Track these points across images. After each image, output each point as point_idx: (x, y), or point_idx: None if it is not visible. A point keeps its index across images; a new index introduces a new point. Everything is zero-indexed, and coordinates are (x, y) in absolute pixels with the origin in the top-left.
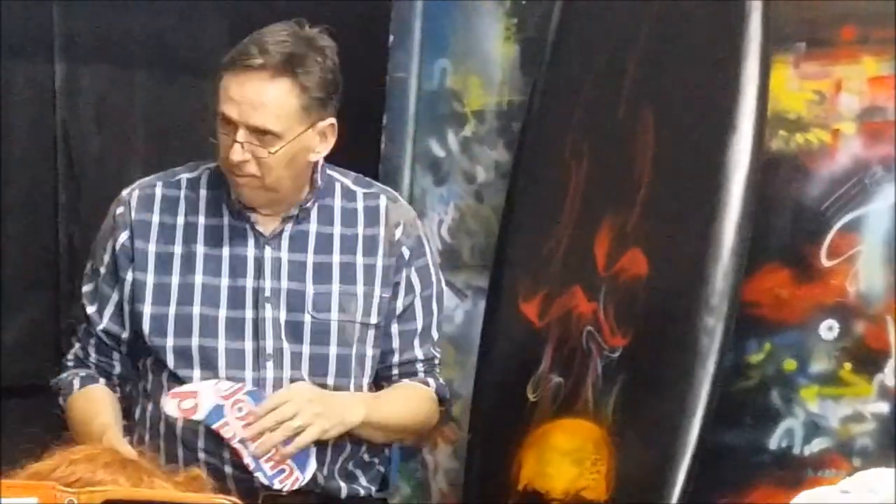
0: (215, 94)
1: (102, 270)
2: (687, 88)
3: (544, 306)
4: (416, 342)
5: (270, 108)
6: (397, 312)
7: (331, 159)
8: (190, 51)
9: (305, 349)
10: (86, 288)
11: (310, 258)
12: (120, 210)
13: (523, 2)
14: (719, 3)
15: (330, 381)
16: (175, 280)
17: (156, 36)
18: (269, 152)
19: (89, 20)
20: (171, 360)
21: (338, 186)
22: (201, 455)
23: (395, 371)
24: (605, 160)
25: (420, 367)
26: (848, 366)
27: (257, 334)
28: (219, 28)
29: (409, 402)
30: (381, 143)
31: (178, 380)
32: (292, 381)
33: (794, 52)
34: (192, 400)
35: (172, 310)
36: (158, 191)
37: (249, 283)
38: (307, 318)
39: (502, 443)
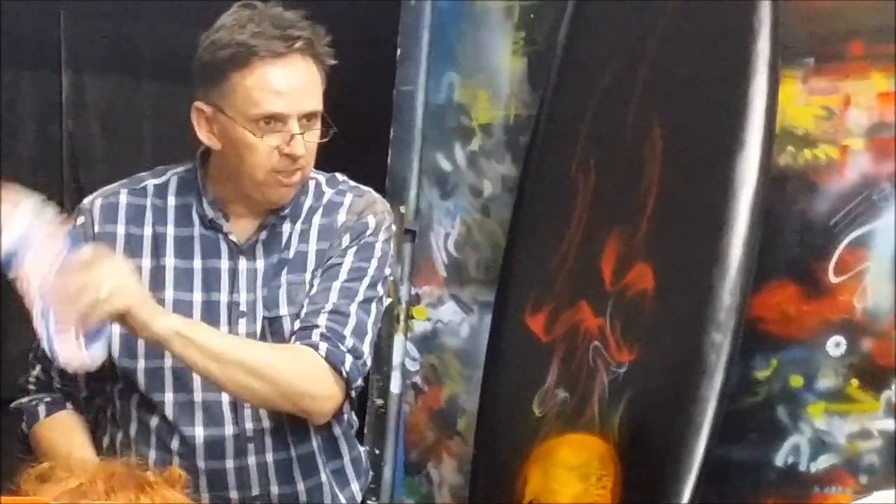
0: (230, 98)
1: None
2: (695, 103)
3: (550, 321)
4: (327, 303)
5: (316, 88)
6: (322, 268)
7: (336, 171)
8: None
9: None
10: None
11: (286, 255)
12: (81, 220)
13: (531, 15)
14: (727, 19)
15: None
16: None
17: (162, 45)
18: (321, 136)
19: (96, 30)
20: (142, 383)
21: (311, 186)
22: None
23: (295, 334)
24: (612, 175)
25: (316, 333)
26: (855, 382)
27: None
28: (192, 63)
29: (258, 347)
30: (387, 157)
31: (148, 405)
32: None
33: (802, 67)
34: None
35: None
36: (123, 198)
37: (224, 297)
38: (286, 323)
39: (508, 458)
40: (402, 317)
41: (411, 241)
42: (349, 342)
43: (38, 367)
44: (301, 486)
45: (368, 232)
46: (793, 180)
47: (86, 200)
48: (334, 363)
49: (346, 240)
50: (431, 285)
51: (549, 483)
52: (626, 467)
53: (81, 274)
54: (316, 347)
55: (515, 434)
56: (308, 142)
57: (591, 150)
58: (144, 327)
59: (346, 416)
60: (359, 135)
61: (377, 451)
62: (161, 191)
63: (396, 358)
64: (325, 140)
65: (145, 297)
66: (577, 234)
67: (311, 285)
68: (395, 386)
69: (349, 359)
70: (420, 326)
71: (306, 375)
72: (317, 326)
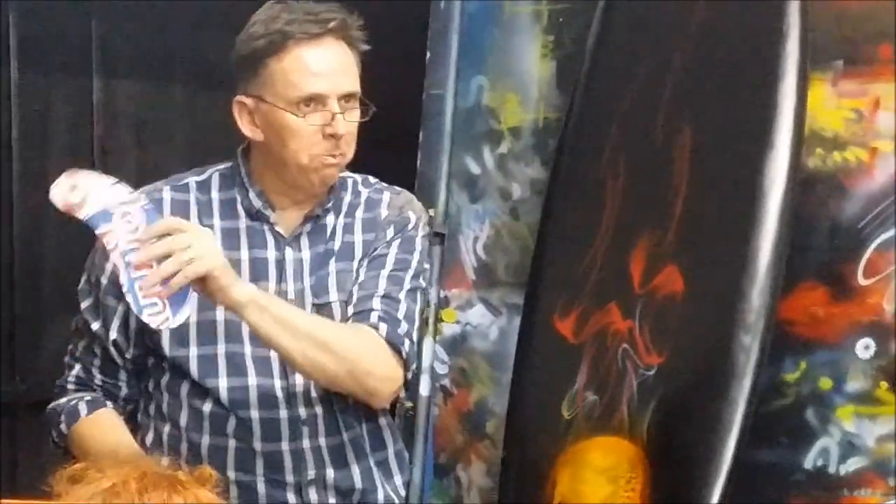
0: (269, 85)
1: (104, 281)
2: (724, 106)
3: (580, 324)
4: (378, 289)
5: (353, 70)
6: (369, 257)
7: (366, 174)
8: (227, 66)
9: None
10: (85, 303)
11: (332, 245)
12: None
13: (560, 19)
14: (757, 21)
15: None
16: None
17: (193, 51)
18: (362, 117)
19: (127, 36)
20: (195, 370)
21: (349, 183)
22: (231, 474)
23: (350, 319)
24: (641, 177)
25: (375, 315)
26: (884, 385)
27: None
28: (231, 59)
29: (327, 322)
30: (417, 160)
31: (201, 392)
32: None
33: (831, 70)
34: (80, 193)
35: (194, 317)
36: (167, 195)
37: (272, 286)
38: (336, 309)
39: (537, 460)
40: (431, 319)
41: (440, 244)
42: (403, 326)
43: (77, 367)
44: (356, 469)
45: (410, 226)
46: (822, 183)
47: None
48: (394, 343)
49: (390, 232)
50: (460, 288)
51: (578, 486)
52: (655, 470)
53: (166, 239)
54: (376, 328)
55: (544, 437)
56: (349, 121)
57: (620, 153)
58: (223, 291)
59: (389, 408)
60: (388, 138)
61: (406, 454)
62: (203, 187)
63: (426, 360)
64: (366, 119)
65: (225, 263)
66: (606, 236)
67: (358, 274)
68: (424, 388)
69: (406, 341)
70: (449, 329)
71: (371, 355)
72: (373, 310)
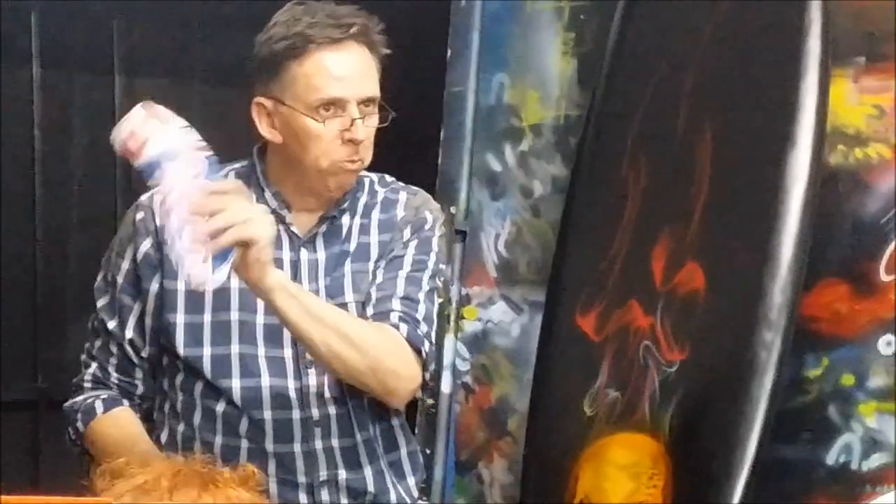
0: (289, 88)
1: (120, 280)
2: (746, 102)
3: (601, 320)
4: (397, 290)
5: (373, 74)
6: (386, 258)
7: (388, 173)
8: (247, 65)
9: None
10: (101, 301)
11: (347, 246)
12: (140, 216)
13: (581, 16)
14: (778, 18)
15: None
16: None
17: (213, 50)
18: (381, 123)
19: (148, 36)
20: (208, 370)
21: (366, 183)
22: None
23: (369, 319)
24: (662, 174)
25: (395, 315)
26: None
27: (296, 340)
28: (249, 60)
29: (353, 318)
30: (438, 158)
31: (214, 392)
32: (331, 385)
33: (853, 66)
34: (140, 137)
35: (208, 317)
36: None
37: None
38: (352, 309)
39: (559, 457)
40: (452, 317)
41: (462, 242)
42: (423, 327)
43: (93, 365)
44: (368, 471)
45: (427, 226)
46: (844, 179)
47: (144, 196)
48: (415, 343)
49: (406, 233)
50: (482, 285)
51: (601, 482)
52: (677, 466)
53: (220, 197)
54: (397, 328)
55: (566, 433)
56: (368, 127)
57: (642, 150)
58: (261, 267)
59: (401, 409)
60: (409, 136)
61: (428, 451)
62: None
63: (447, 358)
64: (385, 125)
65: (271, 239)
66: (628, 233)
67: (375, 275)
68: (445, 386)
69: (426, 342)
70: (471, 326)
71: (393, 353)
72: (392, 310)
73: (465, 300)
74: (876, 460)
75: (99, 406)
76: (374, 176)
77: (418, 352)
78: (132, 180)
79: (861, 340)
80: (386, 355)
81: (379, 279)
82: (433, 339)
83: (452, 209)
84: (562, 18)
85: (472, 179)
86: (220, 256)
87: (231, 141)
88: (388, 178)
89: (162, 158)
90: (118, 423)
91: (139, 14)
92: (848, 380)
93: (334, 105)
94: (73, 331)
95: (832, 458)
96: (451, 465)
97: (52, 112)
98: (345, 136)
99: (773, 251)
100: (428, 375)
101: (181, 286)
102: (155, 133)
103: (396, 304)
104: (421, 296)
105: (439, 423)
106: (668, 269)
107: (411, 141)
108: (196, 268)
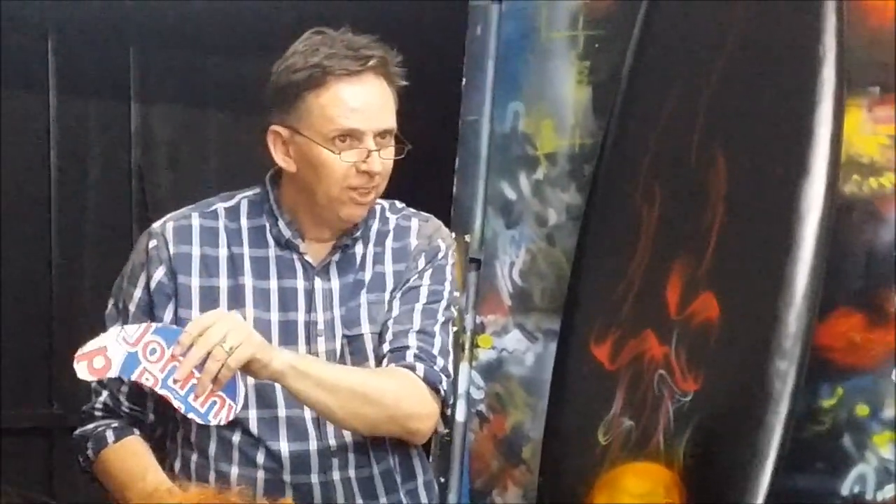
0: (306, 118)
1: (132, 308)
2: (760, 132)
3: (616, 349)
4: (413, 324)
5: (390, 106)
6: (401, 289)
7: (403, 200)
8: (262, 92)
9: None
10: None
11: (362, 276)
12: (153, 244)
13: (596, 45)
14: (792, 47)
15: None
16: None
17: (228, 77)
18: (397, 156)
19: (164, 63)
20: None
21: (377, 210)
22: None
23: (385, 356)
24: (677, 204)
25: (411, 354)
26: None
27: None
28: (267, 89)
29: (363, 372)
30: (453, 186)
31: (228, 426)
32: None
33: (867, 96)
34: (101, 357)
35: None
36: (195, 222)
37: (301, 316)
38: (367, 340)
39: (573, 486)
40: (467, 345)
41: (476, 270)
42: (440, 362)
43: (104, 393)
44: (385, 501)
45: (440, 255)
46: (858, 209)
47: (155, 225)
48: (432, 382)
49: (420, 262)
50: (496, 314)
51: None
52: (691, 496)
53: (199, 343)
54: (413, 369)
55: (580, 462)
56: (384, 159)
57: (656, 179)
58: (265, 368)
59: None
60: (425, 164)
61: (442, 480)
62: (232, 214)
63: (461, 386)
64: (400, 157)
65: (260, 340)
66: (642, 262)
67: (391, 307)
68: (460, 414)
69: (443, 378)
70: (485, 355)
71: (410, 397)
72: (408, 347)
73: (479, 328)
74: (890, 491)
75: (110, 435)
76: (385, 202)
77: (436, 389)
78: (148, 205)
79: (875, 370)
80: (404, 400)
81: (395, 312)
82: (451, 371)
83: (467, 237)
84: (576, 47)
85: (487, 208)
86: (230, 385)
87: (245, 167)
88: (399, 204)
89: (130, 370)
90: (129, 453)
91: (155, 41)
92: (862, 410)
93: (350, 136)
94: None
95: (846, 488)
96: (465, 493)
97: (69, 138)
98: (360, 167)
99: (788, 280)
100: (448, 410)
101: (196, 315)
102: (106, 361)
103: (412, 340)
104: (437, 328)
105: (454, 452)
106: (682, 298)
107: (426, 169)
108: (222, 413)
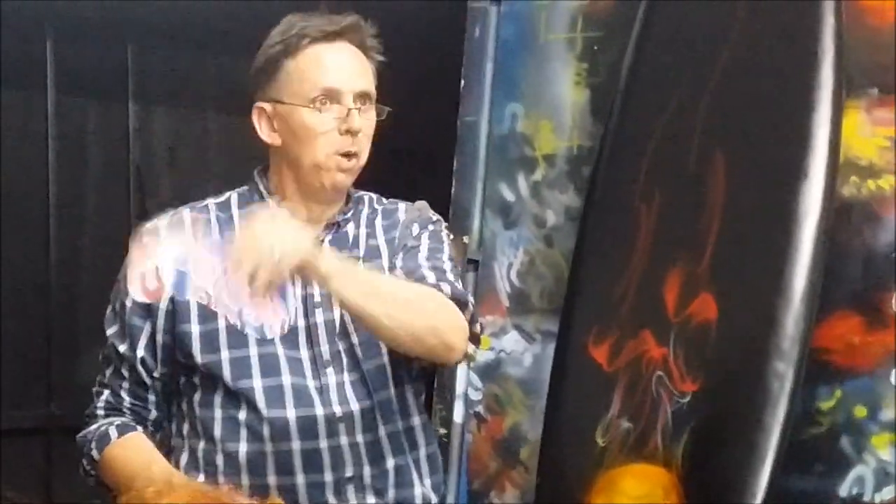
0: (286, 85)
1: (128, 304)
2: (758, 134)
3: (614, 351)
4: (422, 264)
5: (367, 71)
6: (401, 251)
7: (401, 200)
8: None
9: (355, 339)
10: (111, 329)
11: (356, 252)
12: (146, 239)
13: (594, 47)
14: (791, 50)
15: (388, 364)
16: None
17: (227, 77)
18: (378, 117)
19: (162, 62)
20: (227, 374)
21: (366, 199)
22: (271, 479)
23: None
24: (675, 205)
25: (431, 277)
26: None
27: (311, 341)
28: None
29: (403, 282)
30: (451, 187)
31: (235, 399)
32: (352, 383)
33: (866, 97)
34: (154, 280)
35: (223, 323)
36: (187, 216)
37: (298, 290)
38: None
39: (571, 487)
40: None
41: (474, 271)
42: (460, 285)
43: (106, 392)
44: (390, 463)
45: (433, 222)
46: (856, 211)
47: (148, 224)
48: (458, 297)
49: (415, 229)
50: (494, 315)
51: None
52: (689, 497)
53: (247, 256)
54: (438, 288)
55: (578, 464)
56: (364, 122)
57: (654, 181)
58: (314, 271)
59: (422, 407)
60: (423, 165)
61: (440, 457)
62: (223, 206)
63: (459, 387)
64: (381, 118)
65: (307, 244)
66: (641, 263)
67: (394, 265)
68: (457, 415)
69: (468, 295)
70: (483, 356)
71: (445, 308)
72: (425, 277)
73: None
74: (889, 493)
75: (113, 432)
76: (374, 195)
77: (464, 304)
78: (147, 205)
79: (874, 372)
80: (441, 311)
81: (400, 263)
82: (471, 299)
83: (465, 238)
84: (575, 49)
85: (485, 209)
86: (281, 292)
87: (244, 167)
88: (385, 198)
89: (183, 289)
90: (133, 447)
91: (153, 40)
92: (861, 412)
93: (329, 97)
94: (86, 357)
95: (845, 490)
96: (463, 494)
97: (67, 138)
98: (341, 126)
99: (786, 282)
100: (478, 328)
101: (193, 299)
102: (160, 281)
103: (428, 273)
104: (447, 268)
105: (451, 453)
106: (681, 299)
107: (424, 170)
108: (277, 323)
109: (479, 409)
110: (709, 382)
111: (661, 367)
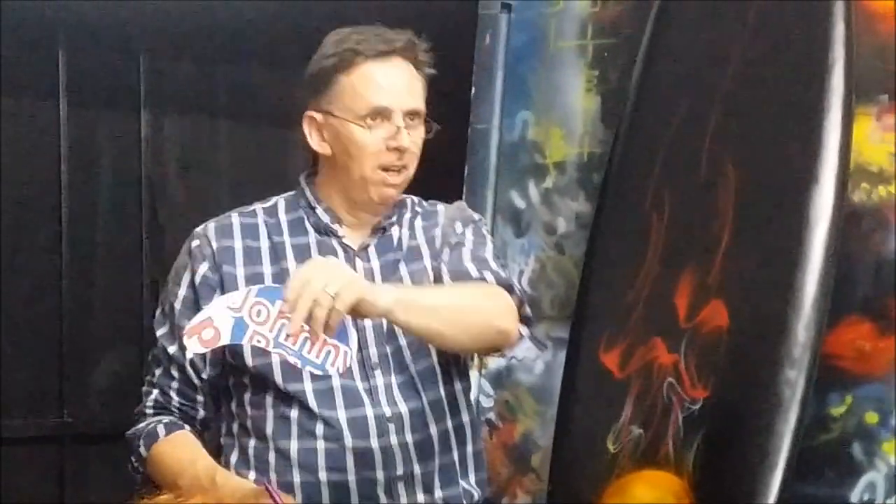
0: (338, 99)
1: (178, 306)
2: (769, 140)
3: (625, 357)
4: (465, 259)
5: (418, 89)
6: (446, 248)
7: None
8: (273, 101)
9: (403, 342)
10: (161, 331)
11: (399, 254)
12: (196, 243)
13: (605, 54)
14: (801, 56)
15: (437, 364)
16: None
17: (239, 87)
18: (426, 133)
19: (174, 72)
20: (279, 376)
21: (408, 202)
22: (322, 475)
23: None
24: (686, 212)
25: (474, 271)
26: None
27: (359, 344)
28: (303, 80)
29: (453, 288)
30: (462, 194)
31: (286, 399)
32: (400, 384)
33: (876, 104)
34: (209, 329)
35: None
36: (235, 220)
37: None
38: None
39: (582, 494)
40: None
41: None
42: (504, 273)
43: (155, 392)
44: (439, 461)
45: (476, 219)
46: (867, 217)
47: (198, 228)
48: (504, 282)
49: (458, 227)
50: None
51: None
52: None
53: (303, 296)
54: (483, 279)
55: (590, 470)
56: (413, 139)
57: (665, 188)
58: (373, 306)
59: (471, 404)
60: (434, 172)
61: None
62: (271, 211)
63: (471, 394)
64: (429, 136)
65: (361, 282)
66: (651, 270)
67: (439, 263)
68: None
69: (514, 280)
70: (494, 363)
71: (495, 296)
72: (468, 270)
73: None
74: None
75: (161, 430)
76: (415, 198)
77: (510, 288)
78: (158, 215)
79: (884, 378)
80: (491, 300)
81: (445, 263)
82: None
83: None
84: (585, 56)
85: (496, 216)
86: (341, 331)
87: (256, 175)
88: (425, 201)
89: (239, 336)
90: (180, 444)
91: (165, 50)
92: (872, 418)
93: (380, 115)
94: (98, 366)
95: (856, 496)
96: None
97: (79, 147)
98: (390, 144)
99: (797, 289)
100: (527, 310)
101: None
102: (216, 331)
103: (471, 267)
104: (489, 257)
105: None
106: (691, 306)
107: (436, 178)
108: (339, 361)
109: (491, 415)
110: (720, 389)
111: (672, 373)
